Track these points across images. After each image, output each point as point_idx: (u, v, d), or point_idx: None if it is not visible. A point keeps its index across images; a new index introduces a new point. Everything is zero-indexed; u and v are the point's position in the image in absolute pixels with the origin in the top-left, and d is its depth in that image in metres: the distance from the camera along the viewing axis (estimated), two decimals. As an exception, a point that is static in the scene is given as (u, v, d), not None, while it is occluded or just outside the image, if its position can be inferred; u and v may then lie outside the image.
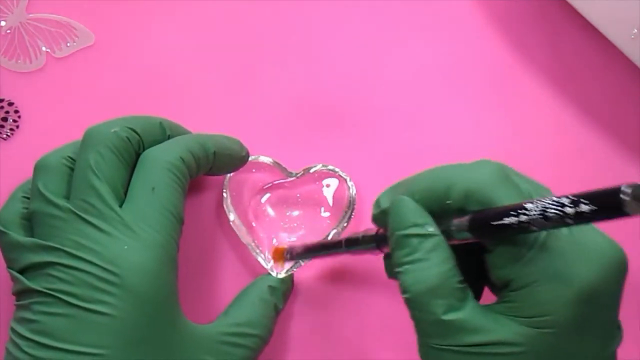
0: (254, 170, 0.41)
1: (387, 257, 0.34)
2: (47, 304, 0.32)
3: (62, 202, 0.33)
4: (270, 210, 0.41)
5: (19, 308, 0.33)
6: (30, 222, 0.34)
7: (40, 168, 0.35)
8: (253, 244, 0.39)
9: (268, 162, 0.41)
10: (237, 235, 0.40)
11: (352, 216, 0.40)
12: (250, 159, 0.40)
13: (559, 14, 0.44)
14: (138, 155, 0.35)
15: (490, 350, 0.28)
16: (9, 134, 0.41)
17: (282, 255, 0.39)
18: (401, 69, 0.43)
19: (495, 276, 0.30)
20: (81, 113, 0.41)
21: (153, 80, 0.42)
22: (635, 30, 0.39)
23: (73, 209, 0.33)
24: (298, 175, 0.41)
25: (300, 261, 0.39)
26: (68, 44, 0.43)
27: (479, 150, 0.42)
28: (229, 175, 0.40)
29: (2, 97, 0.42)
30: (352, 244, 0.35)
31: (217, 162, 0.37)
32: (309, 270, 0.40)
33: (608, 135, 0.43)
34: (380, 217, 0.32)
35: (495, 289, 0.31)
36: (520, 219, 0.26)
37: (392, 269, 0.33)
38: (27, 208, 0.35)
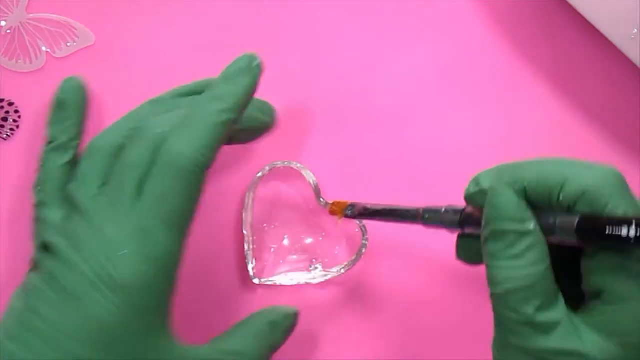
0: (289, 181, 0.41)
1: (463, 237, 0.32)
2: (42, 280, 0.32)
3: (92, 191, 0.33)
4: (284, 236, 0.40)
5: (27, 273, 0.33)
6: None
7: (89, 149, 0.35)
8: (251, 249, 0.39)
9: (310, 182, 0.40)
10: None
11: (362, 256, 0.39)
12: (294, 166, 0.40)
13: (559, 14, 0.44)
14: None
15: None
16: (9, 134, 0.41)
17: (342, 209, 0.36)
18: (400, 69, 0.43)
19: (589, 283, 0.28)
20: (81, 113, 0.41)
21: (153, 80, 0.42)
22: (635, 30, 0.39)
23: (95, 205, 0.32)
24: (326, 206, 0.39)
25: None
26: (68, 44, 0.43)
27: (480, 149, 0.42)
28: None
29: (2, 97, 0.42)
30: (432, 217, 0.32)
31: (240, 136, 0.37)
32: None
33: (608, 135, 0.43)
34: (477, 196, 0.30)
35: (580, 297, 0.30)
36: None
37: (465, 251, 0.31)
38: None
